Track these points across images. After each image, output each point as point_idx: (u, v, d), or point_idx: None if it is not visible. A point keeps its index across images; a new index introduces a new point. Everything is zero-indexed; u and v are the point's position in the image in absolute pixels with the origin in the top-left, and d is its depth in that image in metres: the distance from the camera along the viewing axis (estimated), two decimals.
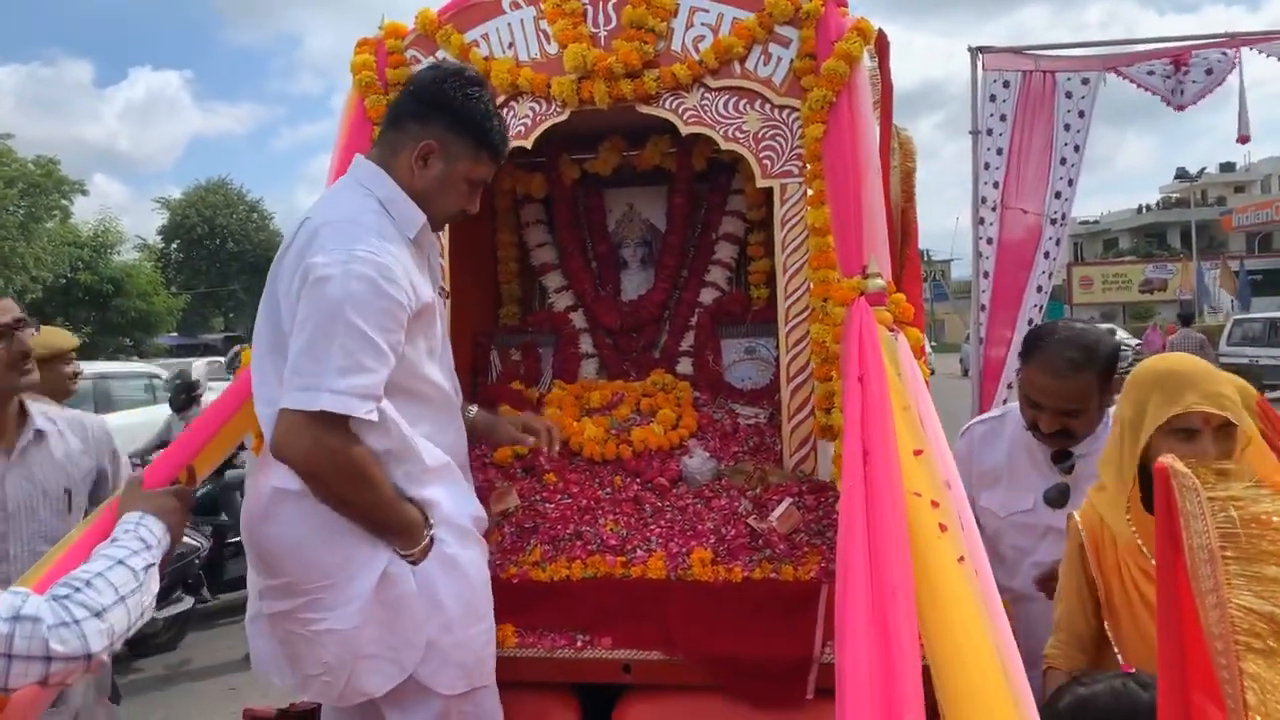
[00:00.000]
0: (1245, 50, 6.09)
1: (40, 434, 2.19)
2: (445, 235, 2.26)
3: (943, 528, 1.27)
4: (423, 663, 1.66)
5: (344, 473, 1.59)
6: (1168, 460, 0.85)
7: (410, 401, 1.72)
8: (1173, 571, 0.83)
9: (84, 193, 28.24)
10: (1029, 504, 2.09)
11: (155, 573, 1.55)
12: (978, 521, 1.67)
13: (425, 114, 1.74)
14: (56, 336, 3.36)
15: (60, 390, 3.32)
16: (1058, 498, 2.04)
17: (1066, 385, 1.93)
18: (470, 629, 1.72)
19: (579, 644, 1.89)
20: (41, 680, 1.32)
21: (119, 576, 1.45)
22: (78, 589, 1.39)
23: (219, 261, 37.27)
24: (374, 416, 1.59)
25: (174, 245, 38.00)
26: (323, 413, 1.54)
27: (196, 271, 37.51)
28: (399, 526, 1.65)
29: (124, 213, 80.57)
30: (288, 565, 1.69)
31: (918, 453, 1.48)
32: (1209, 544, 0.80)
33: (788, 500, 2.01)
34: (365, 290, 1.58)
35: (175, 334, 34.51)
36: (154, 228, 38.66)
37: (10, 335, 2.09)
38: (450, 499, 1.74)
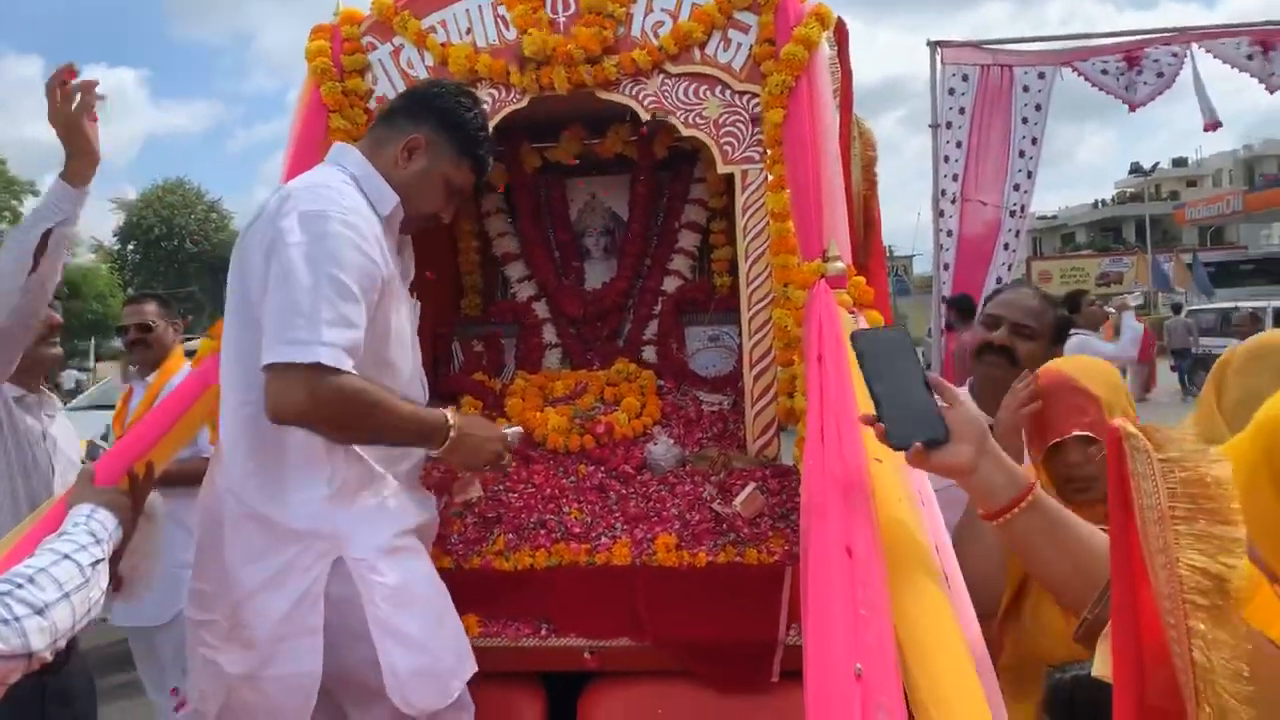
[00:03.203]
0: (1195, 46, 6.21)
1: (57, 412, 2.51)
2: None
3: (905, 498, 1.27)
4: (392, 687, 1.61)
5: (353, 406, 1.53)
6: (1119, 422, 0.85)
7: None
8: (1125, 535, 0.83)
9: (34, 193, 27.65)
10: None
11: (105, 568, 1.51)
12: None
13: (418, 113, 1.80)
14: None
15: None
16: None
17: (1030, 300, 2.17)
18: (434, 641, 1.68)
19: (544, 632, 1.88)
20: None
21: (64, 572, 1.41)
22: (19, 585, 1.34)
23: (177, 262, 36.51)
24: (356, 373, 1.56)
25: (130, 246, 37.20)
26: (317, 364, 1.49)
27: (154, 273, 36.69)
28: (427, 431, 1.65)
29: None
30: (210, 571, 1.66)
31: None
32: (1159, 504, 0.81)
33: (751, 485, 2.01)
34: (343, 245, 1.56)
35: None
36: (109, 229, 37.77)
37: None
38: (369, 522, 1.67)
